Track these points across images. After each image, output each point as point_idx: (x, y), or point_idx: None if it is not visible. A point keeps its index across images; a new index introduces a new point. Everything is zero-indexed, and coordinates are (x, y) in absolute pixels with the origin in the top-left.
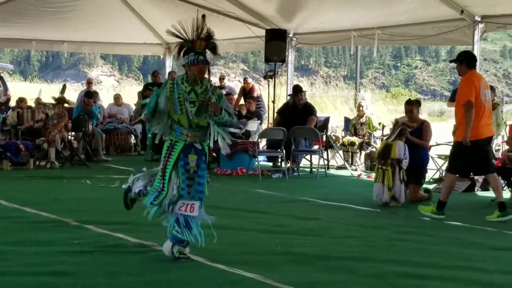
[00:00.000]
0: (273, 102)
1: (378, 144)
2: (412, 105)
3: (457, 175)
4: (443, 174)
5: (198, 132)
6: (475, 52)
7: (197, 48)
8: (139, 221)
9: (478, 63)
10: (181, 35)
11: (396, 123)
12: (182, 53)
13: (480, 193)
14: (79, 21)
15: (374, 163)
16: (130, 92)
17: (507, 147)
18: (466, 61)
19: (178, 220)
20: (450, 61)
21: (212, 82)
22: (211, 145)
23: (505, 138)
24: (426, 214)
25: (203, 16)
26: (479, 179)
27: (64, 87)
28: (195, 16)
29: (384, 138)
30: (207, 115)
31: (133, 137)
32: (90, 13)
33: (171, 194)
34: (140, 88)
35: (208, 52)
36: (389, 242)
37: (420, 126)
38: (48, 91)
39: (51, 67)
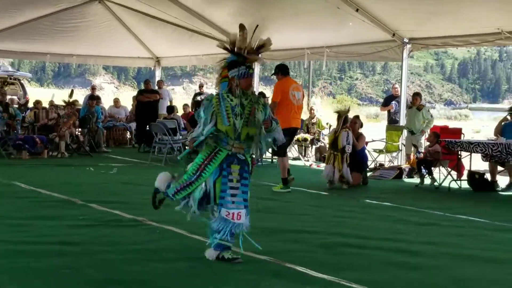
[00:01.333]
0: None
1: (326, 140)
2: (357, 119)
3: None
4: (377, 164)
5: (244, 144)
6: (404, 67)
7: (248, 62)
8: (133, 201)
9: (405, 77)
10: (231, 48)
11: (339, 114)
12: (228, 66)
13: (406, 180)
14: (85, 38)
15: (322, 155)
16: (127, 96)
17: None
18: (280, 71)
19: (220, 229)
20: (271, 75)
21: (255, 92)
22: (255, 157)
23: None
24: (278, 190)
25: (257, 27)
26: (406, 168)
27: (72, 92)
28: (179, 35)
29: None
30: (255, 125)
31: (128, 133)
32: (94, 31)
33: (201, 189)
34: (135, 93)
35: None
36: (334, 219)
37: (357, 136)
38: (59, 95)
39: (62, 76)
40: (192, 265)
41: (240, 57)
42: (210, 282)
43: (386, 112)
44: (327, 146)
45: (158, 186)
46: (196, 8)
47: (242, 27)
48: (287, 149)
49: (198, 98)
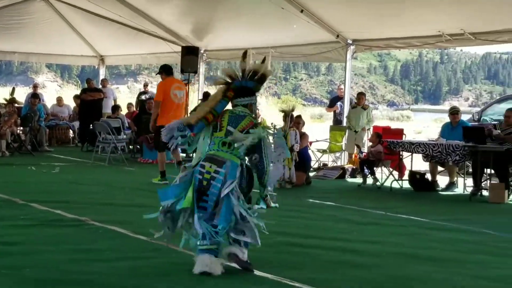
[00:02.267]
0: (187, 105)
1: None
2: (300, 119)
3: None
4: (321, 164)
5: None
6: (347, 68)
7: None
8: (75, 200)
9: (349, 78)
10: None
11: (285, 113)
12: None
13: (349, 179)
14: (28, 36)
15: None
16: (70, 95)
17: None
18: (164, 71)
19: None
20: (156, 74)
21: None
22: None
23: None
24: (156, 182)
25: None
26: (349, 168)
27: (13, 89)
28: (123, 34)
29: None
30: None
31: (71, 132)
32: (37, 29)
33: None
34: (79, 92)
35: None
36: (278, 218)
37: (301, 135)
38: (0, 93)
39: (4, 73)
40: (135, 265)
41: (257, 86)
42: (152, 281)
43: (331, 113)
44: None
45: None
46: (141, 7)
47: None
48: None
49: (143, 97)
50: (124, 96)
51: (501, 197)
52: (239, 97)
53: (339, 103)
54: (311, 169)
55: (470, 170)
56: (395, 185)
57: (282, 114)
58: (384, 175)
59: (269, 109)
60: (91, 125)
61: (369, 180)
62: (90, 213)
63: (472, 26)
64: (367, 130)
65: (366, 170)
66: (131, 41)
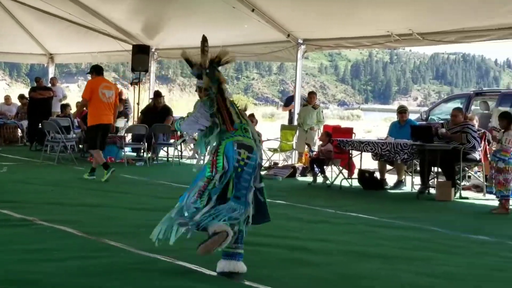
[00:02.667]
0: (138, 104)
1: None
2: (253, 117)
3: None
4: (272, 163)
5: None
6: (298, 68)
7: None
8: (23, 200)
9: (299, 77)
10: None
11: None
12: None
13: (300, 178)
14: None
15: None
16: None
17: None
18: (95, 71)
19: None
20: (87, 73)
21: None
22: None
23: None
24: (84, 177)
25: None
26: (300, 167)
27: None
28: (73, 32)
29: None
30: None
31: (20, 131)
32: None
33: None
34: (27, 90)
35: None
36: None
37: None
38: None
39: None
40: (83, 264)
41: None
42: (100, 280)
43: (282, 112)
44: None
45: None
46: (91, 5)
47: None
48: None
49: None
50: (74, 95)
51: (447, 195)
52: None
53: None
54: (262, 168)
55: (418, 168)
56: (345, 183)
57: None
58: (334, 174)
59: None
60: (40, 124)
61: (319, 179)
62: (38, 213)
63: (420, 26)
64: (317, 130)
65: (316, 169)
66: (81, 39)
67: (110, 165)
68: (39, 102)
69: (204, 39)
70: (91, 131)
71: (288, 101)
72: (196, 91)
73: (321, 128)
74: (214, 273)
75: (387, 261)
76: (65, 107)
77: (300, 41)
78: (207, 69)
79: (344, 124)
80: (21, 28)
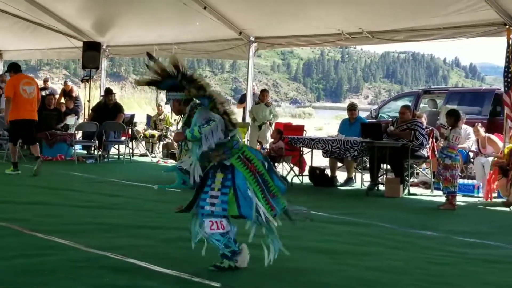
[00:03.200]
0: (89, 101)
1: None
2: None
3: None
4: None
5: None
6: (250, 66)
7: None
8: None
9: (251, 75)
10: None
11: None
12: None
13: None
14: None
15: (170, 151)
16: None
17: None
18: (13, 69)
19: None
20: (5, 72)
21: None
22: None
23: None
24: (8, 172)
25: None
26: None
27: None
28: (22, 28)
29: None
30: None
31: None
32: None
33: None
34: None
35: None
36: (177, 214)
37: None
38: None
39: None
40: (30, 262)
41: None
42: (48, 279)
43: (236, 109)
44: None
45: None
46: (40, 1)
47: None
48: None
49: (43, 93)
50: None
51: (396, 191)
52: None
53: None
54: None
55: (367, 165)
56: (296, 180)
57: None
58: (285, 171)
59: None
60: None
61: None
62: None
63: (370, 25)
64: (270, 126)
65: None
66: (31, 35)
67: (18, 167)
68: None
69: (149, 56)
70: (12, 126)
71: (242, 99)
72: (171, 104)
73: (273, 126)
74: (164, 270)
75: (335, 256)
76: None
77: (252, 39)
78: (185, 80)
79: (296, 121)
80: None
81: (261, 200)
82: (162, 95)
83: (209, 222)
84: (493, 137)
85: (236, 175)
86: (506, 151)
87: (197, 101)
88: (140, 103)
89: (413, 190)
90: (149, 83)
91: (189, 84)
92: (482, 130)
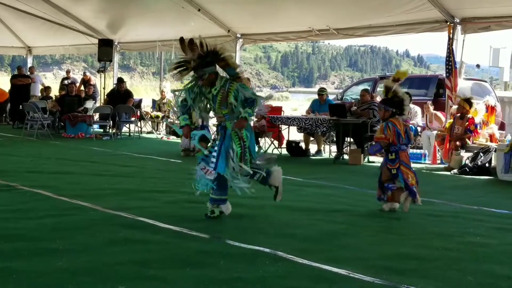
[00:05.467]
0: (104, 88)
1: (175, 117)
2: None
3: None
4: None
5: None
6: (237, 58)
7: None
8: (6, 169)
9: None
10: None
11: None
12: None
13: None
14: None
15: (172, 129)
16: (2, 81)
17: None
18: None
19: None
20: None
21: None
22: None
23: None
24: None
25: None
26: None
27: None
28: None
29: None
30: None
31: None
32: None
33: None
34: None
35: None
36: (180, 180)
37: None
38: None
39: None
40: (58, 221)
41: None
42: (73, 233)
43: None
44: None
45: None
46: (62, 5)
47: (181, 40)
48: None
49: (65, 82)
50: (50, 81)
51: (358, 160)
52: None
53: None
54: None
55: (334, 139)
56: (276, 152)
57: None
58: (266, 144)
59: None
60: (20, 106)
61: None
62: (20, 179)
63: (336, 23)
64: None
65: None
66: (55, 34)
67: None
68: (19, 88)
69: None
70: None
71: None
72: (203, 79)
73: None
74: (168, 226)
75: (308, 213)
76: (46, 89)
77: (239, 35)
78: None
79: (275, 104)
80: (2, 25)
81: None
82: (165, 83)
83: (202, 165)
84: (439, 113)
85: (226, 137)
86: (447, 125)
87: (227, 76)
88: (147, 90)
89: (371, 158)
90: (183, 65)
91: (217, 58)
92: (431, 108)
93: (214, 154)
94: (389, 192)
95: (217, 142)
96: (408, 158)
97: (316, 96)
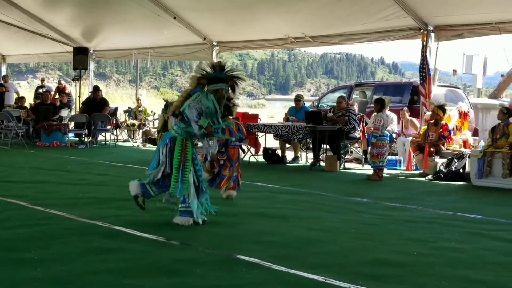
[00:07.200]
0: (79, 96)
1: (151, 125)
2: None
3: None
4: None
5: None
6: None
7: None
8: None
9: None
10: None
11: (167, 102)
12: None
13: None
14: None
15: (148, 137)
16: None
17: None
18: None
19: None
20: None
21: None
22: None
23: None
24: None
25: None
26: None
27: None
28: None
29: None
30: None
31: None
32: None
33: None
34: None
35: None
36: None
37: None
38: None
39: None
40: (33, 230)
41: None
42: (48, 243)
43: None
44: (157, 129)
45: (134, 193)
46: (36, 13)
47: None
48: None
49: (40, 90)
50: (24, 90)
51: (334, 166)
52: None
53: None
54: None
55: (311, 145)
56: (252, 159)
57: (164, 103)
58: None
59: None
60: None
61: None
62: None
63: (311, 31)
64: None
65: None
66: (29, 42)
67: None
68: None
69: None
70: None
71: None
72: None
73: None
74: (145, 235)
75: (285, 220)
76: (20, 99)
77: (214, 43)
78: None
79: (251, 111)
80: None
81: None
82: (141, 91)
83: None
84: (415, 120)
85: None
86: (422, 132)
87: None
88: (123, 98)
89: (348, 165)
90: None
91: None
92: (407, 114)
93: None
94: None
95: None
96: (237, 154)
97: (292, 104)
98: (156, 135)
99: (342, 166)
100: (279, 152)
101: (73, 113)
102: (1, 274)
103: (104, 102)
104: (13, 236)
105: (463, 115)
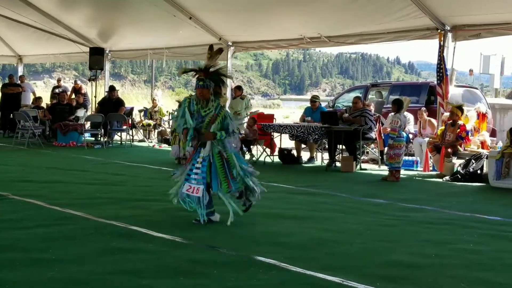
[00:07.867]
0: (95, 97)
1: (166, 125)
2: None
3: None
4: None
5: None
6: (228, 66)
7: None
8: None
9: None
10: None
11: (180, 103)
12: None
13: None
14: None
15: (164, 137)
16: None
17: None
18: None
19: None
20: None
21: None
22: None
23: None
24: None
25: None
26: None
27: None
28: (39, 36)
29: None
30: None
31: None
32: None
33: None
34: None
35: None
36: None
37: None
38: None
39: None
40: (49, 231)
41: (197, 71)
42: (64, 244)
43: None
44: (170, 129)
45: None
46: (53, 14)
47: (211, 47)
48: None
49: (56, 90)
50: (40, 90)
51: (350, 167)
52: None
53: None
54: None
55: (326, 146)
56: (268, 160)
57: (178, 103)
58: (259, 152)
59: (165, 100)
60: (11, 115)
61: (247, 156)
62: (11, 189)
63: (327, 31)
64: (247, 115)
65: (244, 148)
66: (45, 43)
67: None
68: (10, 96)
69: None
70: None
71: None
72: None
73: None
74: (160, 235)
75: (301, 221)
76: (37, 99)
77: (230, 43)
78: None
79: (266, 111)
80: None
81: (221, 177)
82: (156, 91)
83: (187, 186)
84: (433, 120)
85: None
86: (439, 132)
87: (218, 101)
88: (138, 98)
89: (364, 166)
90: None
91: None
92: (425, 114)
93: (196, 171)
94: None
95: (198, 159)
96: None
97: (307, 104)
98: (170, 135)
99: (358, 166)
100: (294, 152)
101: (89, 113)
102: (18, 275)
103: (120, 102)
104: (31, 236)
105: (481, 116)
